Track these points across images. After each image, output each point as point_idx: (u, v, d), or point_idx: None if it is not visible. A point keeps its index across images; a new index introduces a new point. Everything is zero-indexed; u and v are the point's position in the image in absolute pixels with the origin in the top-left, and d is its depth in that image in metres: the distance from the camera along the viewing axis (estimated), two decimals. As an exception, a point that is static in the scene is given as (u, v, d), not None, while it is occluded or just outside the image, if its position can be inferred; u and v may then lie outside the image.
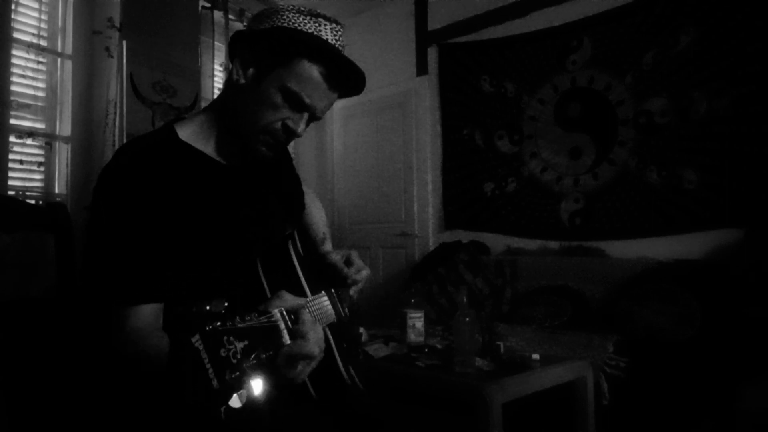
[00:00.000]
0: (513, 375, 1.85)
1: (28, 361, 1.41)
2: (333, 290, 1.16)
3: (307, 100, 0.99)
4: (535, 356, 2.00)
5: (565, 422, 2.12)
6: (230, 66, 1.06)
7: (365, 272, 1.21)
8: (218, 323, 0.62)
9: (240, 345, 0.62)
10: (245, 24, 3.98)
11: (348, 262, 1.19)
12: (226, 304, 0.64)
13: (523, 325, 2.78)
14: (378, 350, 2.16)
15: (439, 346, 2.22)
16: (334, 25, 1.01)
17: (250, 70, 1.01)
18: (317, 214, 1.38)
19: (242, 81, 1.01)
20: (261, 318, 0.68)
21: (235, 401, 0.62)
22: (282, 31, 0.98)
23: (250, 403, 0.63)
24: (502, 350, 2.02)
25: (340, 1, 4.13)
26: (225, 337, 0.61)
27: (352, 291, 1.20)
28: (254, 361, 0.63)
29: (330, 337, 1.05)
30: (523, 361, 1.98)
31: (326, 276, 1.20)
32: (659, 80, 3.06)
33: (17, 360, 1.37)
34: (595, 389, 2.15)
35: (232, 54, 1.05)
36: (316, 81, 0.99)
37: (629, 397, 2.23)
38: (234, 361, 0.61)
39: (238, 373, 0.61)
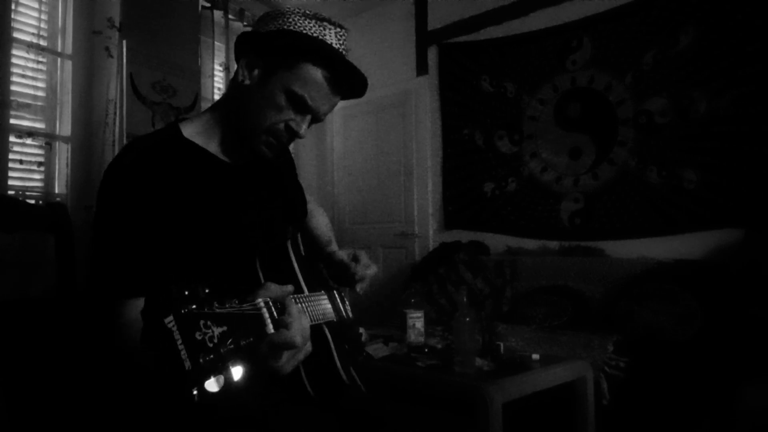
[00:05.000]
0: (513, 375, 1.85)
1: (28, 361, 1.41)
2: (334, 292, 1.16)
3: (311, 103, 1.02)
4: (535, 356, 2.01)
5: (565, 422, 2.12)
6: (234, 66, 1.08)
7: (372, 270, 1.21)
8: (194, 306, 0.60)
9: (218, 330, 0.61)
10: (245, 24, 4.03)
11: (355, 260, 1.21)
12: (207, 290, 0.63)
13: (523, 325, 2.78)
14: (378, 350, 2.16)
15: (439, 346, 2.21)
16: (338, 29, 1.03)
17: (256, 72, 1.03)
18: (322, 221, 1.40)
19: (247, 82, 1.03)
20: (244, 306, 0.68)
21: (211, 385, 0.61)
22: (288, 35, 1.00)
23: (228, 388, 0.62)
24: (502, 350, 2.02)
25: (341, 1, 4.14)
26: (201, 321, 0.60)
27: (359, 287, 1.21)
28: (231, 346, 0.62)
29: (329, 336, 1.05)
30: (523, 361, 1.98)
31: (333, 275, 1.20)
32: (659, 80, 3.06)
33: (17, 360, 1.37)
34: (595, 389, 2.15)
35: (238, 55, 1.06)
36: (320, 84, 1.02)
37: (629, 397, 2.23)
38: (210, 345, 0.60)
39: (212, 356, 0.60)
